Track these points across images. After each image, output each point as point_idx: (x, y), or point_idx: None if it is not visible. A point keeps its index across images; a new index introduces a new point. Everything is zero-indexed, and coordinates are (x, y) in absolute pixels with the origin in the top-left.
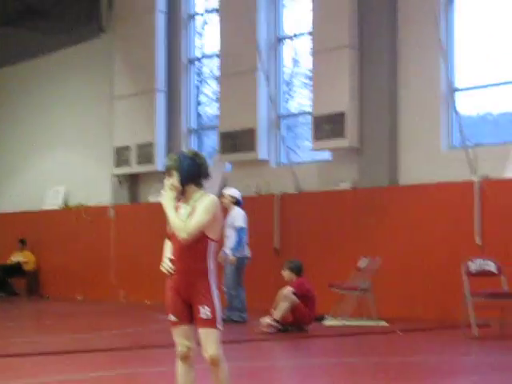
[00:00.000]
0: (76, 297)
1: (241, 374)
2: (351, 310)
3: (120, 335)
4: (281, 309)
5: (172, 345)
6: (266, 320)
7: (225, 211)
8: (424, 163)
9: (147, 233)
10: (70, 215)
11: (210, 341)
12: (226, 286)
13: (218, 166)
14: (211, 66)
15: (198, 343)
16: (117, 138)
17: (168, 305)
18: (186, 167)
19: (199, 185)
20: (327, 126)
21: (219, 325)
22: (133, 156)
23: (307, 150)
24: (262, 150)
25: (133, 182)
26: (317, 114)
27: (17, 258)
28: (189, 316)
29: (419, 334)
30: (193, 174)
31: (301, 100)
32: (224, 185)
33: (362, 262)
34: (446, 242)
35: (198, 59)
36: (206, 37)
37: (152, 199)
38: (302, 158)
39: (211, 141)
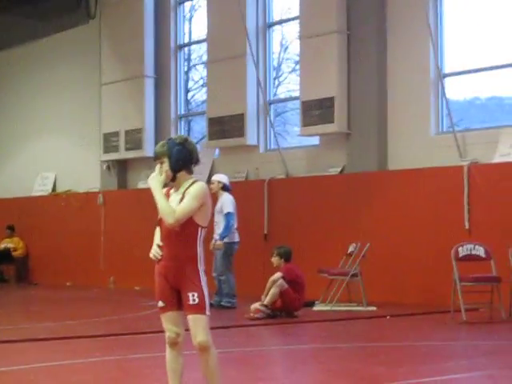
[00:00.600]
0: (65, 283)
1: (230, 359)
2: (340, 295)
3: (109, 321)
4: (270, 294)
5: (161, 331)
6: (256, 305)
7: (214, 197)
8: (413, 148)
9: (136, 219)
10: (59, 201)
11: (198, 327)
12: (215, 271)
13: (207, 151)
14: (200, 52)
15: (187, 329)
16: (105, 124)
17: (156, 291)
18: (177, 153)
19: (190, 171)
20: (316, 111)
21: (207, 311)
22: (121, 142)
23: (296, 136)
24: (251, 136)
25: (121, 168)
26: (305, 100)
27: (5, 244)
28: (177, 302)
29: (408, 318)
30: (184, 160)
31: (289, 85)
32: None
33: (351, 248)
34: (435, 227)
35: (187, 45)
36: (195, 22)
37: (141, 185)
38: (290, 144)
39: (200, 126)
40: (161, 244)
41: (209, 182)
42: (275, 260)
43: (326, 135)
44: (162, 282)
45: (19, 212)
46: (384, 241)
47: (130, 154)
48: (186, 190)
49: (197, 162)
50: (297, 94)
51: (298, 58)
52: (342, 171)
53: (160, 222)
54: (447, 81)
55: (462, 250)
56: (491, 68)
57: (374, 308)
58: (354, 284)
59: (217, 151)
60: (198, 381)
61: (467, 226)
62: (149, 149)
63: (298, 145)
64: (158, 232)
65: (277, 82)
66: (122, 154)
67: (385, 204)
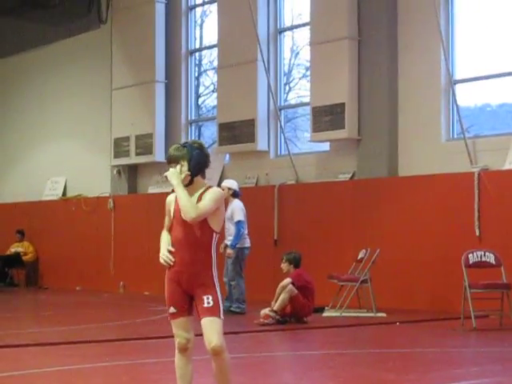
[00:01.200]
0: (75, 287)
1: (239, 365)
2: (350, 301)
3: (119, 326)
4: (280, 300)
5: (170, 336)
6: (265, 311)
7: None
8: (423, 154)
9: (146, 224)
10: (70, 206)
11: (213, 330)
12: (226, 276)
13: (218, 157)
14: (211, 57)
15: (196, 334)
16: (116, 129)
17: (167, 297)
18: (197, 157)
19: (204, 176)
20: (326, 117)
21: (222, 314)
22: (132, 147)
23: (306, 141)
24: (262, 141)
25: (132, 172)
26: (316, 105)
27: (16, 248)
28: (188, 308)
29: (418, 325)
30: (202, 164)
31: (300, 91)
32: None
33: (361, 254)
34: (446, 234)
35: (198, 50)
36: (206, 28)
37: (151, 190)
38: (301, 149)
39: (210, 132)
40: (172, 249)
41: (219, 187)
42: (285, 266)
43: (336, 141)
44: (174, 287)
45: (30, 216)
46: (394, 247)
47: (141, 158)
48: (202, 194)
49: (208, 166)
50: (307, 99)
51: (308, 64)
52: (352, 177)
53: (172, 228)
54: (458, 87)
55: (473, 257)
56: (502, 75)
57: (384, 314)
58: (363, 290)
59: (227, 157)
60: None
61: (477, 233)
62: (159, 154)
63: (308, 150)
64: (165, 237)
65: (287, 88)
66: (133, 159)
67: (395, 210)
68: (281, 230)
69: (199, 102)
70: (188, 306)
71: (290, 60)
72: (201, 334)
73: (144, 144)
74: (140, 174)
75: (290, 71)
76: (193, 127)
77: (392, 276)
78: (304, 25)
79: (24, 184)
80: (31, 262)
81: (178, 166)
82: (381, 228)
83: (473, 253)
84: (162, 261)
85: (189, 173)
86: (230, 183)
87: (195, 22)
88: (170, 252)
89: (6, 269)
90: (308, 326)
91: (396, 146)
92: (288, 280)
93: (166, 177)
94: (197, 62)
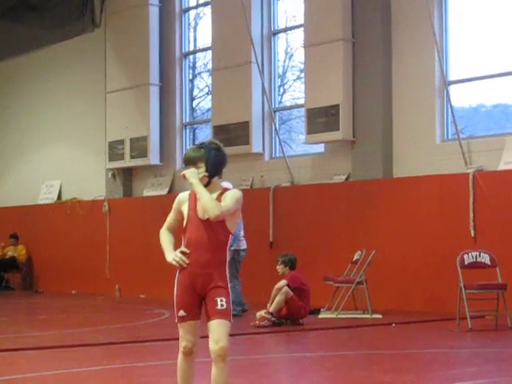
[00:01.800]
0: (70, 291)
1: (235, 367)
2: (346, 303)
3: (115, 329)
4: (275, 302)
5: (167, 339)
6: (261, 313)
7: None
8: (418, 155)
9: (141, 227)
10: (65, 209)
11: (222, 332)
12: None
13: None
14: (205, 60)
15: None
16: (110, 132)
17: (178, 299)
18: (214, 158)
19: (221, 176)
20: (321, 118)
21: (231, 318)
22: (127, 150)
23: (301, 143)
24: (256, 144)
25: (127, 175)
26: (310, 107)
27: (11, 252)
28: (198, 311)
29: (414, 326)
30: (219, 165)
31: (294, 93)
32: None
33: (357, 255)
34: (441, 234)
35: (192, 53)
36: (200, 30)
37: (146, 193)
38: (295, 151)
39: (205, 134)
40: (187, 251)
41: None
42: (280, 268)
43: (331, 143)
44: (187, 289)
45: (25, 220)
46: (389, 248)
47: (136, 161)
48: (221, 195)
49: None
50: (302, 101)
51: (302, 66)
52: (347, 179)
53: (187, 229)
54: (452, 88)
55: (468, 258)
56: (496, 75)
57: (380, 316)
58: (359, 291)
59: None
60: None
61: (473, 234)
62: (154, 157)
63: (303, 152)
64: (167, 237)
65: (282, 90)
66: (128, 162)
67: (390, 211)
68: (276, 232)
69: (194, 105)
70: (198, 309)
71: (284, 62)
72: (205, 336)
73: (139, 147)
74: (135, 177)
75: (284, 73)
76: (187, 130)
77: (387, 277)
78: (298, 27)
79: (19, 188)
80: (25, 266)
81: (195, 169)
82: (376, 229)
83: (468, 253)
84: (173, 262)
85: (206, 174)
86: (226, 185)
87: (189, 24)
88: (183, 253)
89: (1, 273)
90: (304, 327)
91: (391, 147)
92: (283, 282)
93: (183, 175)
94: (191, 65)
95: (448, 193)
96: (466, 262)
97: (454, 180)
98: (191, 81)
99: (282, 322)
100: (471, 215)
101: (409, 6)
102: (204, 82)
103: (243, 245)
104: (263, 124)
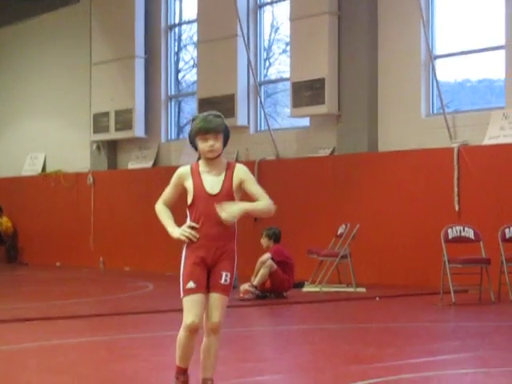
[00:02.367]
0: (55, 263)
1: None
2: (330, 276)
3: (98, 302)
4: (259, 275)
5: (150, 311)
6: (245, 286)
7: None
8: (403, 130)
9: (126, 199)
10: (49, 182)
11: (221, 307)
12: None
13: None
14: (190, 32)
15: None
16: (95, 105)
17: (188, 272)
18: (227, 130)
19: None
20: (306, 92)
21: (230, 293)
22: (111, 122)
23: (286, 117)
24: (242, 117)
25: (111, 148)
26: (296, 81)
27: None
28: (206, 284)
29: (397, 300)
30: (228, 138)
31: (280, 67)
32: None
33: (341, 229)
34: (425, 209)
35: (177, 25)
36: (185, 2)
37: (131, 166)
38: (281, 125)
39: (190, 107)
40: (196, 225)
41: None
42: (264, 241)
43: (316, 116)
44: (197, 262)
45: (9, 192)
46: (374, 222)
47: (120, 134)
48: (231, 173)
49: None
50: (287, 75)
51: (288, 39)
52: (332, 152)
53: (194, 204)
54: (438, 62)
55: (452, 232)
56: (482, 50)
57: (364, 289)
58: (343, 265)
59: None
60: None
61: (457, 208)
62: (139, 129)
63: (288, 126)
64: (166, 212)
65: (267, 63)
66: (112, 135)
67: (375, 185)
68: None
69: (179, 77)
70: (205, 281)
71: (270, 35)
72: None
73: (123, 119)
74: (120, 150)
75: (270, 46)
76: (173, 102)
77: (372, 251)
78: (284, 0)
79: (3, 159)
80: (10, 238)
81: (204, 143)
82: (360, 203)
83: (452, 228)
84: (182, 237)
85: (220, 145)
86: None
87: None
88: (192, 228)
89: None
90: (287, 301)
91: (376, 121)
92: (267, 255)
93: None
94: (176, 37)
95: (433, 167)
96: (450, 237)
97: (438, 154)
98: (177, 53)
99: (265, 296)
100: (456, 190)
101: None
102: (189, 54)
103: None
104: (248, 97)
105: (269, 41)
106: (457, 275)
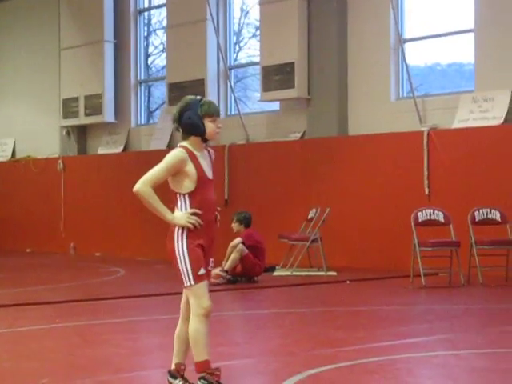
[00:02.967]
0: (25, 249)
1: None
2: (301, 260)
3: (69, 287)
4: (230, 260)
5: (122, 297)
6: (216, 271)
7: None
8: (373, 113)
9: (96, 185)
10: (19, 167)
11: (207, 291)
12: None
13: (168, 117)
14: (160, 17)
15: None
16: (65, 90)
17: (197, 258)
18: None
19: None
20: (276, 76)
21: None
22: (81, 107)
23: (256, 101)
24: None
25: (81, 133)
26: (265, 65)
27: None
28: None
29: (368, 283)
30: None
31: (250, 51)
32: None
33: (311, 213)
34: (395, 192)
35: (147, 10)
36: None
37: (101, 151)
38: (251, 109)
39: (160, 92)
40: (199, 212)
41: (170, 148)
42: (235, 226)
43: (286, 100)
44: (200, 248)
45: None
46: (344, 206)
47: (90, 119)
48: (210, 153)
49: None
50: (257, 59)
51: (258, 24)
52: (302, 136)
53: (198, 190)
54: (407, 46)
55: (422, 215)
56: (451, 33)
57: (334, 273)
58: (314, 249)
59: None
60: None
61: (427, 191)
62: (108, 114)
63: (258, 110)
64: (157, 198)
65: (237, 48)
66: (82, 120)
67: (345, 169)
68: (231, 190)
69: (148, 62)
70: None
71: (240, 19)
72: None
73: (93, 104)
74: (89, 135)
75: (239, 30)
76: (142, 87)
77: (342, 235)
78: None
79: None
80: None
81: (212, 124)
82: (331, 187)
83: (422, 211)
84: (189, 225)
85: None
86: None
87: None
88: (196, 214)
89: None
90: (258, 285)
91: (346, 105)
92: (238, 239)
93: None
94: (146, 22)
95: (402, 151)
96: (419, 220)
97: (408, 138)
98: (146, 38)
99: (236, 280)
100: (425, 173)
101: None
102: (159, 39)
103: None
104: (218, 81)
105: (239, 25)
106: (427, 258)
